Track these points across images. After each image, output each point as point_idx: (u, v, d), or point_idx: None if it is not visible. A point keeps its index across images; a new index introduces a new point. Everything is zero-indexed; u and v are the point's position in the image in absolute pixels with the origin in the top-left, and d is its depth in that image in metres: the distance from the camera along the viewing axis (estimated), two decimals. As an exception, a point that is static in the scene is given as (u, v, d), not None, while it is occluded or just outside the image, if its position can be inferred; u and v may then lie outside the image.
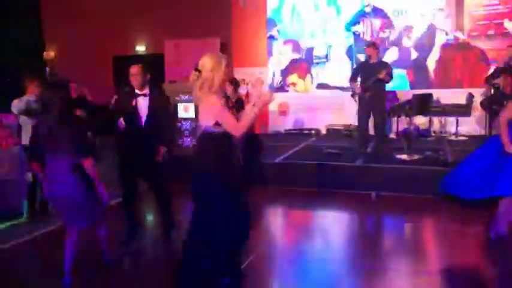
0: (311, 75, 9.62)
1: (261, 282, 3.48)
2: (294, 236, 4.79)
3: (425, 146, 6.95)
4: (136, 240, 4.23)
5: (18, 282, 3.62)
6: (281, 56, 9.83)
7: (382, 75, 6.32)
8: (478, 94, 7.76)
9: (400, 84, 8.79)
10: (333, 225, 5.11)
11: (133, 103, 4.04)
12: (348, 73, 7.83)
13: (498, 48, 8.15)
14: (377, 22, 9.08)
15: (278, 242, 4.55)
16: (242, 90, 7.83)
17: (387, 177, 5.85)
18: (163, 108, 4.17)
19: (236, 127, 2.95)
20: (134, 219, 4.33)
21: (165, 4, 10.25)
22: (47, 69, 11.06)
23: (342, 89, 8.75)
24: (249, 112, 2.94)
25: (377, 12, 9.08)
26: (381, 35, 9.05)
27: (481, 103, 7.42)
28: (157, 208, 4.47)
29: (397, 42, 8.98)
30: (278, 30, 9.83)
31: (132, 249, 4.12)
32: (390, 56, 8.88)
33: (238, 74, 8.86)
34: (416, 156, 6.29)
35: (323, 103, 9.21)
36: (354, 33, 9.24)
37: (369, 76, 6.41)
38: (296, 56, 9.72)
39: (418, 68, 8.88)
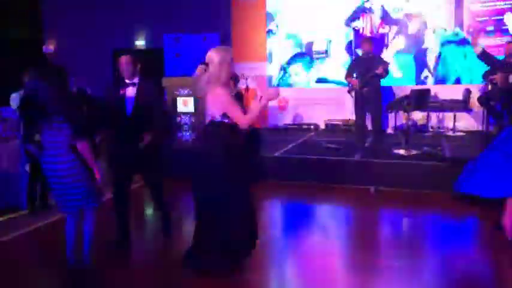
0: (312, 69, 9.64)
1: (259, 276, 3.52)
2: (292, 230, 4.82)
3: (423, 142, 6.99)
4: (128, 241, 4.11)
5: (18, 274, 3.65)
6: (282, 50, 9.83)
7: (379, 71, 6.35)
8: (476, 90, 7.79)
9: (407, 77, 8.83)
10: (331, 220, 5.16)
11: (122, 92, 3.98)
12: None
13: (498, 44, 8.16)
14: (377, 18, 9.08)
15: (276, 235, 4.59)
16: (241, 85, 7.83)
17: (385, 172, 5.89)
18: (150, 97, 4.04)
19: (243, 119, 3.07)
20: (125, 218, 4.13)
21: (164, -2, 10.24)
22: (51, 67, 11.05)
23: (340, 83, 8.76)
24: (255, 106, 3.06)
25: (377, 8, 9.07)
26: (381, 30, 9.05)
27: (479, 99, 7.45)
28: (152, 203, 4.41)
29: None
30: (277, 25, 9.82)
31: (123, 249, 4.04)
32: (397, 45, 8.89)
33: (238, 68, 8.85)
34: (414, 152, 6.32)
35: (322, 98, 9.22)
36: (353, 28, 9.24)
37: (365, 72, 6.44)
38: (298, 50, 9.72)
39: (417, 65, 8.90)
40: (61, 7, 11.04)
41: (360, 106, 6.67)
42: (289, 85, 9.78)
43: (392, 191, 5.64)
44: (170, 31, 10.09)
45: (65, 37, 11.20)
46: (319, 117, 9.27)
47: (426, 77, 8.82)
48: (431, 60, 8.79)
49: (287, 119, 9.60)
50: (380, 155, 6.30)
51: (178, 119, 7.37)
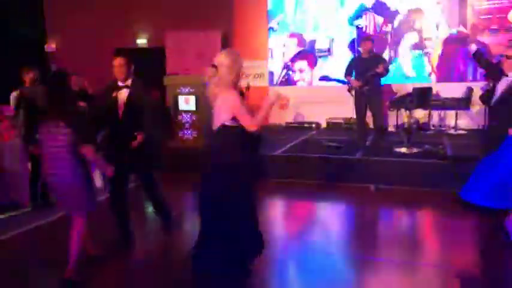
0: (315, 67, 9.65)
1: (260, 274, 3.52)
2: (292, 227, 4.83)
3: (425, 140, 6.97)
4: (130, 240, 4.11)
5: (19, 272, 3.67)
6: (285, 48, 9.82)
7: (380, 69, 6.35)
8: (478, 88, 7.76)
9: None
10: (331, 218, 5.16)
11: (115, 95, 3.94)
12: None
13: (501, 42, 8.12)
14: (380, 16, 9.05)
15: (277, 233, 4.59)
16: (242, 83, 7.83)
17: (386, 170, 5.88)
18: (140, 100, 3.97)
19: (251, 123, 3.10)
20: (124, 217, 4.10)
21: (166, -4, 10.23)
22: (53, 65, 11.09)
23: (343, 82, 8.75)
24: (262, 110, 3.13)
25: (380, 6, 9.05)
26: (384, 29, 9.02)
27: (481, 97, 7.42)
28: (149, 201, 4.36)
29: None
30: (278, 22, 9.80)
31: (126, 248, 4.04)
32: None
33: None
34: (415, 150, 6.32)
35: (323, 96, 9.21)
36: (356, 27, 9.21)
37: (365, 70, 6.44)
38: (300, 48, 9.72)
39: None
40: (63, 6, 11.05)
41: (361, 105, 6.67)
42: (293, 83, 9.77)
43: (393, 189, 5.64)
44: (171, 29, 10.08)
45: (66, 36, 11.21)
46: (320, 115, 9.26)
47: (430, 74, 8.80)
48: (434, 59, 8.76)
49: (288, 118, 9.59)
50: (381, 153, 6.29)
51: (180, 117, 7.37)
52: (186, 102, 7.32)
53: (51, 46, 11.58)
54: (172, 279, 3.48)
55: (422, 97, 6.54)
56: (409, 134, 6.50)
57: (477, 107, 7.95)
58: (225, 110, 3.12)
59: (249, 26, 9.82)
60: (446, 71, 8.69)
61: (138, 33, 10.92)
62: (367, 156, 6.22)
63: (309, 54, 9.64)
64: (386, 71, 6.49)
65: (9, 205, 5.14)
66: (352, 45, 9.23)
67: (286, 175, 6.24)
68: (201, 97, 7.23)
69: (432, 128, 8.34)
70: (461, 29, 8.50)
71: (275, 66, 9.90)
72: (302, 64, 9.71)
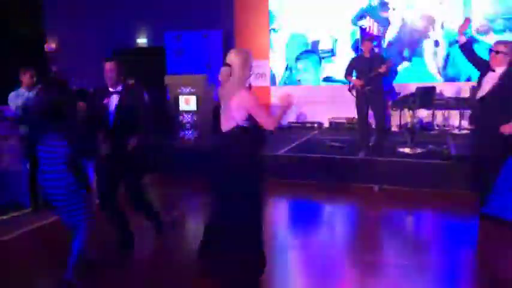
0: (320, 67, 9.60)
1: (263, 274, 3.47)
2: (295, 228, 4.78)
3: (428, 140, 6.92)
4: (129, 241, 4.01)
5: (20, 273, 3.62)
6: (288, 49, 9.78)
7: (383, 69, 6.30)
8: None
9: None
10: (334, 218, 5.11)
11: (105, 101, 3.79)
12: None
13: (506, 43, 8.04)
14: (383, 16, 8.99)
15: (279, 234, 4.54)
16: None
17: (390, 170, 5.83)
18: (132, 106, 3.81)
19: (268, 120, 3.12)
20: (117, 220, 3.97)
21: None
22: (53, 66, 11.07)
23: (347, 82, 8.71)
24: (280, 110, 3.18)
25: (384, 6, 8.99)
26: (387, 29, 8.95)
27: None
28: (134, 208, 4.10)
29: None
30: (280, 23, 9.75)
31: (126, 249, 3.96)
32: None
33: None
34: (419, 150, 6.26)
35: (326, 96, 9.17)
36: (360, 27, 9.16)
37: (367, 70, 6.38)
38: (303, 49, 9.68)
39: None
40: (62, 6, 11.02)
41: (362, 104, 6.61)
42: (297, 82, 9.71)
43: (397, 190, 5.59)
44: (171, 29, 10.04)
45: (66, 36, 11.18)
46: (323, 115, 9.22)
47: (436, 75, 8.74)
48: (439, 60, 8.69)
49: (291, 117, 9.54)
50: (384, 154, 6.23)
51: (181, 117, 7.32)
52: (187, 103, 7.28)
53: (50, 46, 11.54)
54: (172, 280, 3.43)
55: (426, 97, 6.48)
56: (412, 134, 6.45)
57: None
58: (240, 109, 3.10)
59: (250, 26, 9.78)
60: (452, 72, 8.62)
61: (138, 33, 10.88)
62: (370, 156, 6.17)
63: (313, 54, 9.59)
64: (389, 71, 6.45)
65: (10, 206, 5.11)
66: (355, 45, 9.18)
67: (288, 175, 6.18)
68: (201, 97, 7.20)
69: (436, 127, 8.28)
70: (467, 30, 8.41)
71: (277, 66, 9.84)
72: (306, 64, 9.66)
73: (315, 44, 9.53)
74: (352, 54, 9.01)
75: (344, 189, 5.77)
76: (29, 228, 4.55)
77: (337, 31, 9.30)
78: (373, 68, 6.34)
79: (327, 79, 9.46)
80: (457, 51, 8.43)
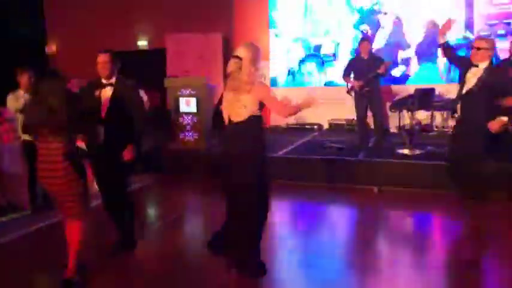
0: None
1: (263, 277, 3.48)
2: (294, 230, 4.78)
3: (427, 141, 6.92)
4: (128, 242, 3.95)
5: (20, 275, 3.63)
6: (290, 53, 9.80)
7: (381, 70, 6.32)
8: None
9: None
10: (334, 220, 5.12)
11: (97, 94, 3.72)
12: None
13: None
14: (385, 21, 8.99)
15: (279, 235, 4.54)
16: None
17: (389, 172, 5.84)
18: (126, 99, 3.74)
19: (283, 108, 3.32)
20: (117, 219, 3.90)
21: (166, -2, 10.23)
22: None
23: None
24: (297, 104, 3.35)
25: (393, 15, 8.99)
26: (389, 33, 8.95)
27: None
28: (114, 214, 3.91)
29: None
30: (281, 27, 9.76)
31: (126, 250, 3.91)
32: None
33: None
34: (418, 151, 6.27)
35: (325, 98, 9.15)
36: (362, 31, 9.17)
37: (366, 71, 6.40)
38: (306, 53, 9.70)
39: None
40: (63, 8, 11.05)
41: (361, 106, 6.63)
42: (301, 84, 9.72)
43: (396, 191, 5.59)
44: (172, 31, 10.06)
45: (67, 38, 11.21)
46: (322, 117, 9.22)
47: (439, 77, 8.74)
48: (442, 64, 8.68)
49: (290, 119, 9.54)
50: (384, 155, 6.24)
51: (181, 119, 7.34)
52: (187, 104, 7.29)
53: (51, 48, 11.57)
54: (171, 282, 3.44)
55: (425, 98, 6.49)
56: (411, 135, 6.45)
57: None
58: (253, 100, 3.22)
59: (249, 28, 9.80)
60: (454, 74, 8.60)
61: (138, 35, 10.91)
62: (370, 158, 6.18)
63: (316, 57, 9.61)
64: (387, 71, 6.47)
65: (9, 207, 5.12)
66: (357, 50, 9.18)
67: (288, 177, 6.19)
68: (201, 99, 7.21)
69: (435, 129, 8.28)
70: (468, 34, 8.40)
71: (278, 70, 9.85)
72: (310, 67, 9.67)
73: (317, 48, 9.55)
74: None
75: (343, 191, 5.78)
76: (28, 230, 4.56)
77: (339, 35, 9.30)
78: (370, 69, 6.36)
79: (329, 84, 9.46)
80: (461, 54, 8.47)
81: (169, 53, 10.12)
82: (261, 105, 3.30)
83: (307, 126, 9.22)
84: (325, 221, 5.07)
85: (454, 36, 8.43)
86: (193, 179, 6.56)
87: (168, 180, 6.71)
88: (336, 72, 9.33)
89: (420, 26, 8.76)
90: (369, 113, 6.75)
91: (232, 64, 3.26)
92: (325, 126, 9.25)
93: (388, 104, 7.47)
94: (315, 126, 9.18)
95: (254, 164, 3.30)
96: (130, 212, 3.95)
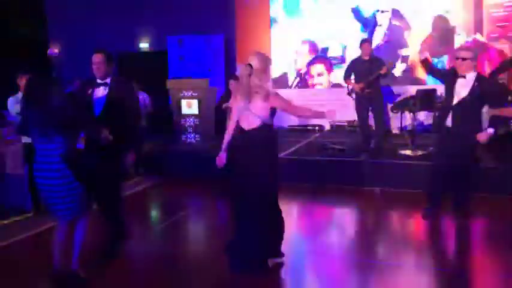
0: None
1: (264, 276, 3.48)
2: (295, 231, 4.78)
3: (429, 142, 6.90)
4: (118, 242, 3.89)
5: (23, 277, 3.63)
6: (298, 56, 9.80)
7: (383, 71, 6.31)
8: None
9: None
10: (336, 221, 5.11)
11: (89, 92, 3.68)
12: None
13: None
14: (394, 23, 8.98)
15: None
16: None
17: (391, 173, 5.83)
18: (123, 98, 3.69)
19: (296, 108, 3.56)
20: (108, 221, 3.82)
21: (168, 0, 10.23)
22: (53, 73, 11.14)
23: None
24: (316, 110, 3.63)
25: (393, 13, 8.99)
26: (397, 35, 8.94)
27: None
28: (104, 213, 3.83)
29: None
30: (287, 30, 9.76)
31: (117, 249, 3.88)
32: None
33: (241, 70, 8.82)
34: (420, 152, 6.26)
35: (327, 99, 9.17)
36: (368, 32, 9.17)
37: (367, 73, 6.39)
38: (312, 55, 9.72)
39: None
40: (65, 10, 11.08)
41: (362, 107, 6.62)
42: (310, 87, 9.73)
43: (399, 192, 5.58)
44: (173, 33, 10.08)
45: (68, 40, 11.23)
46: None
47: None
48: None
49: (292, 121, 9.56)
50: (386, 156, 6.24)
51: (183, 121, 7.35)
52: (189, 106, 7.30)
53: (54, 51, 11.59)
54: (171, 283, 3.44)
55: (426, 99, 6.48)
56: (413, 136, 6.45)
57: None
58: (264, 106, 3.30)
59: (251, 29, 9.81)
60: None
61: (140, 37, 10.93)
62: (372, 159, 6.17)
63: (324, 59, 9.63)
64: (389, 72, 6.48)
65: (12, 210, 5.13)
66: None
67: (289, 178, 6.17)
68: (203, 101, 7.22)
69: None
70: (478, 36, 8.38)
71: (282, 71, 9.84)
72: (319, 69, 9.67)
73: (325, 50, 9.56)
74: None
75: (345, 192, 5.78)
76: (31, 232, 4.56)
77: (347, 38, 9.28)
78: (371, 71, 6.35)
79: (336, 86, 9.45)
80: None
81: (171, 54, 10.15)
82: (272, 113, 3.41)
83: (308, 128, 9.22)
84: (327, 222, 5.06)
85: (464, 39, 8.42)
86: (194, 180, 6.56)
87: (170, 182, 6.71)
88: (341, 74, 9.34)
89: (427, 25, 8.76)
90: (370, 115, 6.74)
91: (243, 71, 3.33)
92: (327, 127, 9.25)
93: (389, 105, 7.49)
94: (317, 128, 9.18)
95: (266, 172, 3.37)
96: (120, 209, 3.89)
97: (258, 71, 3.30)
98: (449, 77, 4.39)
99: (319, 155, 6.61)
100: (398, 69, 8.96)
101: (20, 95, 5.05)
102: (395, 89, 8.42)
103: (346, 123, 8.89)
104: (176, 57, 10.14)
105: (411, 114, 6.56)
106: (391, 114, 7.58)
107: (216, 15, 9.78)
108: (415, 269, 3.66)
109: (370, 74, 6.36)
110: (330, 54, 9.55)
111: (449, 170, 4.32)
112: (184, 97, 7.30)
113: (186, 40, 10.04)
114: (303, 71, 9.81)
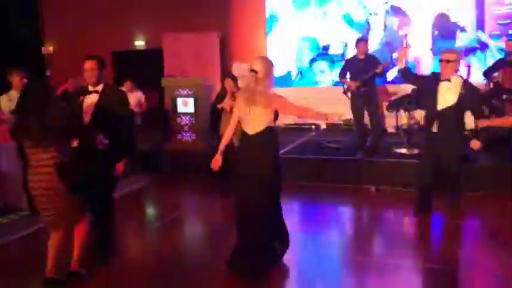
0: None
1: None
2: (291, 230, 4.78)
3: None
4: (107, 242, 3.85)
5: (18, 277, 3.62)
6: (299, 53, 9.77)
7: (379, 70, 6.33)
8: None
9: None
10: (332, 220, 5.12)
11: (80, 100, 3.63)
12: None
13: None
14: (395, 20, 8.99)
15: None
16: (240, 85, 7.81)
17: (387, 171, 5.85)
18: (114, 107, 3.63)
19: (302, 109, 3.62)
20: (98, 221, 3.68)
21: (163, -2, 10.21)
22: (47, 72, 11.08)
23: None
24: (318, 112, 3.70)
25: (395, 10, 8.98)
26: (400, 33, 8.95)
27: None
28: (96, 223, 3.65)
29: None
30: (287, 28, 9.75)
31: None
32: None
33: (237, 68, 8.82)
34: (416, 151, 6.27)
35: (322, 97, 9.16)
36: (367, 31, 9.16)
37: (363, 71, 6.40)
38: (314, 54, 9.70)
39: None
40: (60, 7, 11.02)
41: (358, 106, 6.63)
42: (316, 83, 9.71)
43: (394, 191, 5.61)
44: (169, 31, 10.04)
45: (64, 38, 11.17)
46: (320, 116, 9.20)
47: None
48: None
49: (288, 119, 9.55)
50: (381, 154, 6.26)
51: (178, 119, 7.33)
52: (185, 105, 7.28)
53: (48, 49, 11.53)
54: (169, 282, 3.44)
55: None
56: (409, 134, 6.46)
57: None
58: (269, 111, 3.33)
59: (246, 27, 9.79)
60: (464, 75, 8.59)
61: (135, 35, 10.88)
62: (367, 157, 6.19)
63: (326, 57, 9.60)
64: (384, 71, 6.50)
65: (8, 209, 5.10)
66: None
67: (285, 177, 6.17)
68: (199, 99, 7.20)
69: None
70: (480, 34, 8.33)
71: (280, 69, 9.84)
72: (321, 66, 9.66)
73: (326, 48, 9.54)
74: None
75: (341, 190, 5.79)
76: (27, 231, 4.54)
77: (348, 35, 9.25)
78: (367, 70, 6.36)
79: (337, 84, 9.45)
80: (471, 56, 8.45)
81: (167, 52, 10.10)
82: (275, 116, 3.45)
83: (304, 126, 9.22)
84: (322, 221, 5.07)
85: (465, 38, 8.42)
86: (191, 179, 6.56)
87: (166, 180, 6.70)
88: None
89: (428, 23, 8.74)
90: (365, 113, 6.75)
91: (248, 78, 3.35)
92: (323, 126, 9.26)
93: (384, 104, 7.49)
94: (313, 126, 9.18)
95: (271, 173, 3.38)
96: (111, 217, 3.85)
97: (262, 75, 3.31)
98: (432, 82, 4.33)
99: (315, 153, 6.62)
100: (395, 68, 8.97)
101: (12, 92, 5.02)
102: (391, 88, 8.44)
103: (342, 122, 8.89)
104: (172, 55, 10.08)
105: (406, 113, 6.58)
106: (386, 113, 7.59)
107: (211, 12, 9.75)
108: (412, 267, 3.68)
109: (365, 72, 6.37)
110: (330, 52, 9.52)
111: (438, 171, 4.31)
112: (180, 95, 7.27)
113: (181, 37, 9.98)
114: (304, 69, 9.79)
